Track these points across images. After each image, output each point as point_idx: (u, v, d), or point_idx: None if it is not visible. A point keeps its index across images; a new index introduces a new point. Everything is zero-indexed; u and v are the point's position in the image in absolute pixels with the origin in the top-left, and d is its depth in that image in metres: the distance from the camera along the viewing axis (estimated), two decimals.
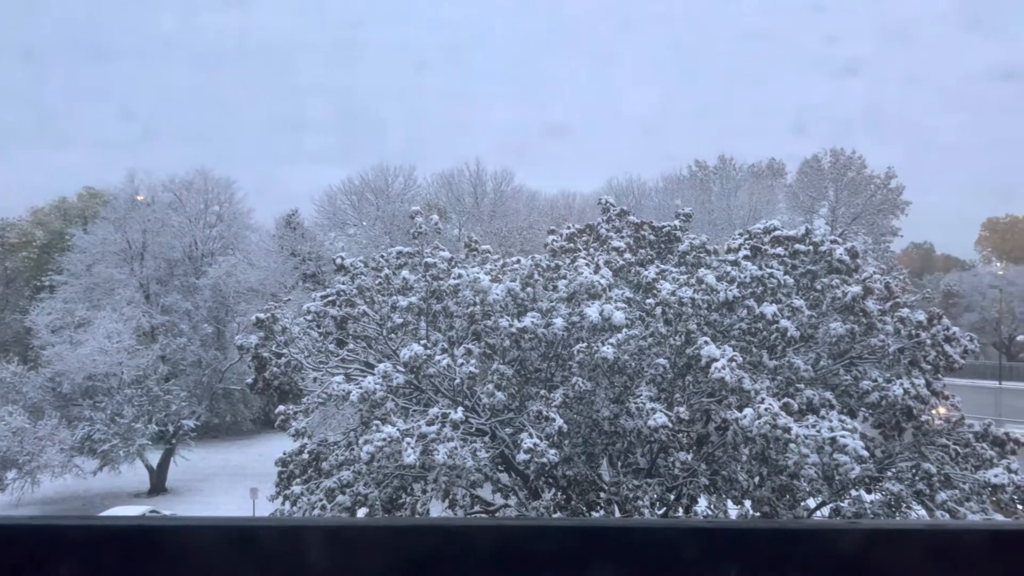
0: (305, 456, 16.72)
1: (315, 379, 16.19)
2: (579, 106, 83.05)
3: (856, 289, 15.33)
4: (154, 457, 35.20)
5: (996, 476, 14.25)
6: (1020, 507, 14.38)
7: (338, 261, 17.60)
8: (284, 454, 17.23)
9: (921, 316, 15.66)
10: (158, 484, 35.14)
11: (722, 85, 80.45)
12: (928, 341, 15.30)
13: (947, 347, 15.50)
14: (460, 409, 14.31)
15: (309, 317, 16.76)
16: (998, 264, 74.64)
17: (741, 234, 18.10)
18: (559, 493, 15.64)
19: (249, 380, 17.36)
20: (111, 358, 33.06)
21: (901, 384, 14.64)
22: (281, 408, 16.76)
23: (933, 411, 15.58)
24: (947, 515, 13.99)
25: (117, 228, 42.08)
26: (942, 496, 14.30)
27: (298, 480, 16.48)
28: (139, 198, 44.40)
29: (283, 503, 16.12)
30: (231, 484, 33.94)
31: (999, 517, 14.24)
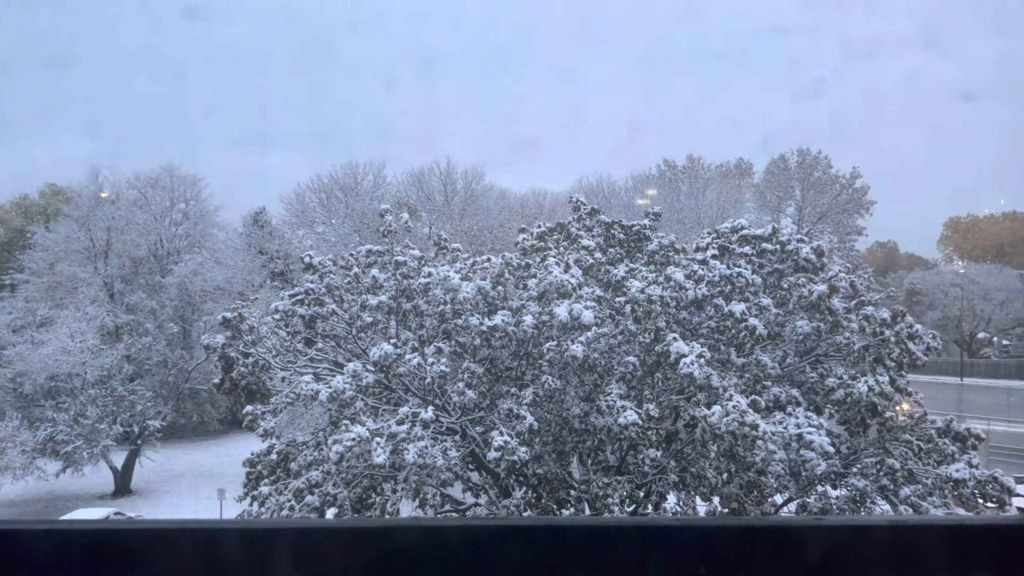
0: (273, 456, 16.57)
1: (283, 379, 16.04)
2: (546, 121, 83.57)
3: (822, 287, 15.54)
4: (119, 458, 34.67)
5: (958, 471, 14.53)
6: (981, 501, 14.67)
7: (306, 259, 17.45)
8: (252, 454, 17.05)
9: (885, 314, 15.91)
10: (123, 486, 34.63)
11: (687, 105, 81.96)
12: (892, 339, 15.55)
13: (910, 344, 15.77)
14: (430, 408, 14.27)
15: (277, 316, 16.60)
16: (959, 263, 76.16)
17: (709, 233, 18.27)
18: (529, 491, 15.66)
19: (216, 380, 17.15)
20: (74, 358, 32.51)
21: (866, 381, 14.86)
22: (249, 408, 16.59)
23: (897, 407, 15.85)
24: (910, 510, 14.23)
25: (80, 226, 41.35)
26: (905, 491, 14.55)
27: (266, 481, 16.32)
28: (103, 195, 43.67)
29: (251, 504, 15.97)
30: (198, 485, 33.56)
31: (961, 511, 14.52)
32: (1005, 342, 65.32)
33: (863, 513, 14.65)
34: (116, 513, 27.08)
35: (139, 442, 34.78)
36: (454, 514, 15.97)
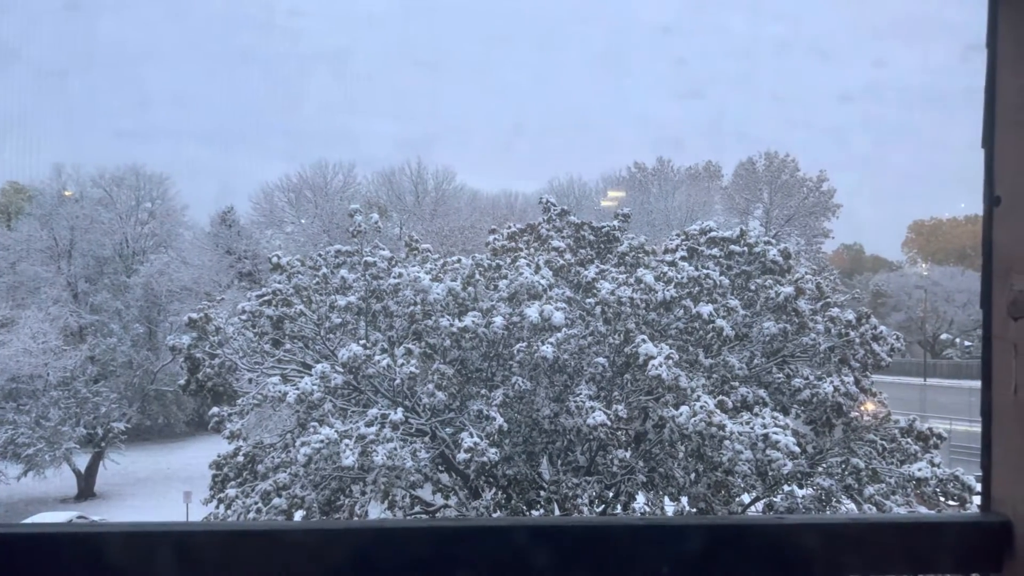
0: (240, 459, 16.39)
1: (250, 380, 15.90)
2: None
3: (789, 289, 15.72)
4: (82, 461, 34.09)
5: (920, 470, 14.78)
6: (943, 500, 14.93)
7: (274, 260, 17.29)
8: (218, 457, 16.86)
9: (850, 315, 16.14)
10: (86, 489, 34.05)
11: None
12: (857, 340, 15.78)
13: (875, 345, 16.01)
14: (400, 409, 14.21)
15: (244, 317, 16.43)
16: (923, 265, 77.47)
17: (678, 235, 18.41)
18: (499, 492, 15.66)
19: (182, 381, 16.95)
20: (36, 359, 31.90)
21: (831, 382, 15.07)
22: (215, 410, 16.40)
23: (862, 408, 16.08)
24: (874, 508, 14.45)
25: (43, 224, 40.59)
26: (870, 490, 14.77)
27: (233, 483, 16.15)
28: (67, 193, 42.94)
29: (217, 507, 15.79)
30: (163, 488, 33.09)
31: (923, 509, 14.77)
32: (967, 343, 66.46)
33: (828, 512, 14.84)
34: (79, 517, 26.60)
35: (103, 444, 34.21)
36: (424, 516, 15.91)
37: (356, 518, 14.48)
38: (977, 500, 15.68)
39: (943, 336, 67.50)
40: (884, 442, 15.59)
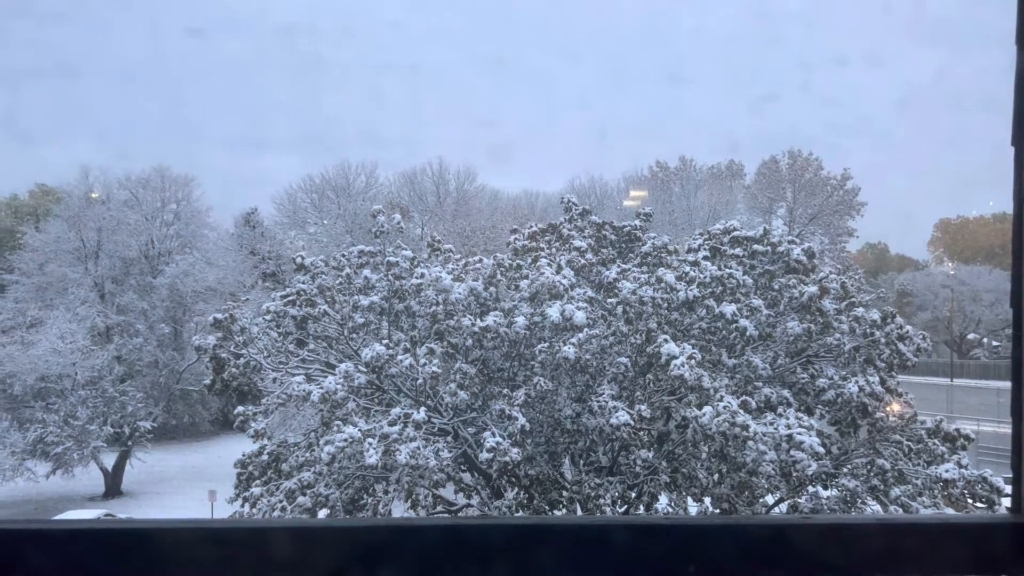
0: (265, 457, 16.53)
1: (275, 380, 16.01)
2: (522, 128, 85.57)
3: (813, 289, 15.59)
4: (109, 459, 34.53)
5: (947, 471, 14.60)
6: (970, 502, 14.74)
7: (298, 260, 17.42)
8: (243, 455, 17.01)
9: (875, 315, 15.98)
10: (113, 487, 34.48)
11: (652, 113, 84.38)
12: (882, 340, 15.62)
13: (900, 345, 15.83)
14: (423, 409, 14.26)
15: (268, 317, 16.57)
16: (949, 264, 76.45)
17: (701, 234, 18.31)
18: (521, 492, 15.66)
19: (207, 381, 17.10)
20: (64, 359, 32.35)
21: (856, 382, 14.92)
22: (240, 409, 16.53)
23: (887, 408, 15.91)
24: (900, 510, 14.29)
25: (71, 226, 41.15)
26: (896, 491, 14.61)
27: (258, 482, 16.28)
28: (93, 195, 43.51)
29: (242, 505, 15.93)
30: (189, 486, 33.42)
31: (950, 511, 14.59)
32: (995, 343, 65.50)
33: (853, 514, 14.69)
34: (106, 514, 26.95)
35: (130, 443, 34.64)
36: (446, 515, 15.95)
37: (379, 517, 14.55)
38: (1006, 502, 15.48)
39: (970, 336, 66.59)
40: (910, 443, 15.42)
